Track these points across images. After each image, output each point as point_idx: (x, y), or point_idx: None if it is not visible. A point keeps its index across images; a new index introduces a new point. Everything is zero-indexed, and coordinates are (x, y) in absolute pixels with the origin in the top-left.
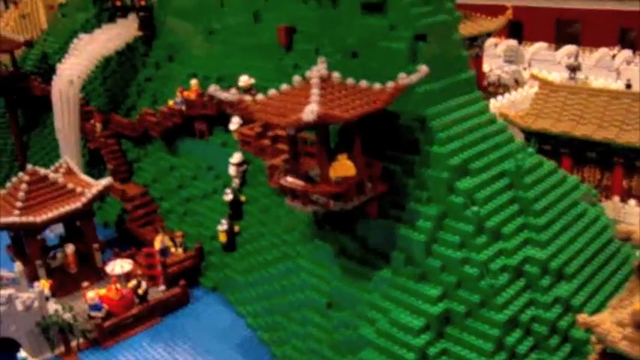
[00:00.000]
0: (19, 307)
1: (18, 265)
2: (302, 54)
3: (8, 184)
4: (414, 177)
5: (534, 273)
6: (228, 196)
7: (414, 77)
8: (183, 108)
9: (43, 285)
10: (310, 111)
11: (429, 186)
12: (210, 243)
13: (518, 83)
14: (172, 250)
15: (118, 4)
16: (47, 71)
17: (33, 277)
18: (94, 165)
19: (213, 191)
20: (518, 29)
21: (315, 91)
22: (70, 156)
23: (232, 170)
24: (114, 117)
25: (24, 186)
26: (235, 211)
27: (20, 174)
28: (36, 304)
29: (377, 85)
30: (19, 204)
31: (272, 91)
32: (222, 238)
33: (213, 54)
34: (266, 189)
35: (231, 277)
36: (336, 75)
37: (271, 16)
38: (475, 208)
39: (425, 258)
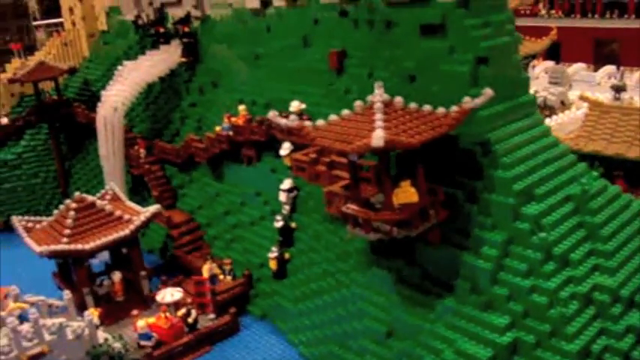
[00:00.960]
0: (70, 336)
1: (67, 294)
2: (354, 78)
3: (56, 211)
4: (477, 203)
5: (605, 301)
6: (279, 223)
7: (478, 101)
8: (231, 134)
9: (93, 313)
10: (378, 137)
11: (494, 212)
12: (259, 270)
13: (564, 105)
14: (221, 277)
15: (162, 30)
16: (89, 98)
17: (80, 305)
18: (137, 191)
19: (262, 218)
20: (555, 50)
21: (379, 116)
22: (114, 182)
23: (283, 196)
24: (158, 143)
25: (72, 213)
26: (286, 238)
27: (67, 201)
28: (86, 332)
29: (440, 110)
30: (67, 231)
31: (333, 117)
32: (273, 265)
33: (259, 79)
34: (317, 215)
35: (281, 305)
36: (398, 99)
37: (321, 40)
38: (542, 235)
39: (491, 286)
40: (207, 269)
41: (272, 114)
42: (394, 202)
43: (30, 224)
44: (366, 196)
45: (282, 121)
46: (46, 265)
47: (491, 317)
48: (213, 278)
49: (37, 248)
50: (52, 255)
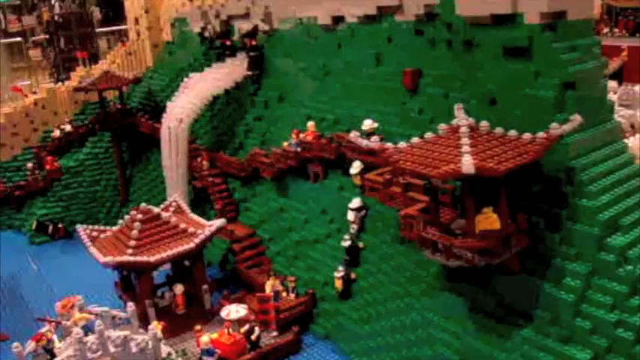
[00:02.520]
0: (134, 349)
1: (131, 306)
2: (429, 98)
3: (120, 221)
4: (559, 232)
5: None
6: (346, 242)
7: (567, 127)
8: (299, 150)
9: (156, 327)
10: (469, 164)
11: (577, 242)
12: (322, 289)
13: (633, 128)
14: (284, 294)
15: (228, 43)
16: (152, 108)
17: (142, 317)
18: (197, 204)
19: (327, 235)
20: (618, 70)
21: (466, 141)
22: (177, 194)
23: (351, 216)
24: (221, 156)
25: (137, 224)
26: (352, 257)
27: (133, 212)
28: (150, 346)
29: (527, 135)
30: (132, 242)
31: (415, 140)
32: (338, 284)
33: (329, 96)
34: (386, 236)
35: (345, 326)
36: (484, 124)
37: (394, 58)
38: (629, 267)
39: (573, 319)
40: (270, 285)
41: (353, 134)
42: (476, 228)
43: (94, 233)
44: (445, 221)
45: (364, 142)
46: (104, 273)
47: (572, 351)
48: (276, 295)
49: (102, 258)
50: (117, 266)
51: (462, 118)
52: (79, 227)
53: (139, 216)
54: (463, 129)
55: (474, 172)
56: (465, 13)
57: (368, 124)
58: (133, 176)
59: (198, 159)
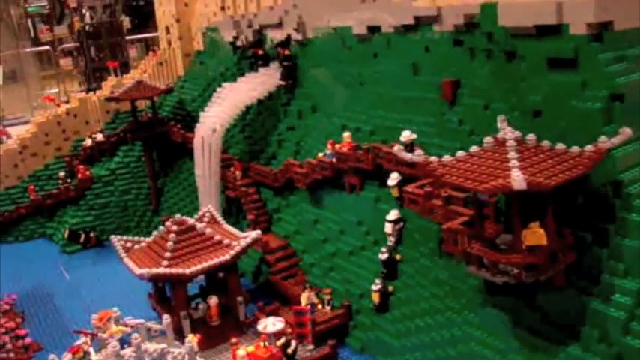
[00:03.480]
0: None
1: (167, 318)
2: (468, 110)
3: (154, 232)
4: (607, 247)
5: None
6: (383, 255)
7: (615, 140)
8: (334, 161)
9: (192, 340)
10: (519, 179)
11: (627, 257)
12: (359, 301)
13: None
14: (319, 307)
15: (260, 53)
16: (183, 117)
17: (177, 329)
18: (229, 214)
19: (362, 247)
20: None
21: (513, 155)
22: (210, 204)
23: (388, 228)
24: (254, 166)
25: (172, 236)
26: (390, 270)
27: (168, 223)
28: (186, 359)
29: (574, 149)
30: (167, 254)
31: (460, 153)
32: (375, 297)
33: (364, 106)
34: (424, 249)
35: (383, 339)
36: (531, 137)
37: (432, 68)
38: None
39: (623, 336)
40: (305, 298)
41: (397, 148)
42: (523, 244)
43: (128, 244)
44: (488, 235)
45: (408, 156)
46: (136, 283)
47: None
48: (311, 307)
49: (137, 270)
50: (153, 278)
51: (508, 132)
52: (113, 238)
53: (174, 227)
54: (510, 142)
55: (525, 188)
56: (508, 24)
57: (406, 135)
58: (164, 186)
59: (231, 169)
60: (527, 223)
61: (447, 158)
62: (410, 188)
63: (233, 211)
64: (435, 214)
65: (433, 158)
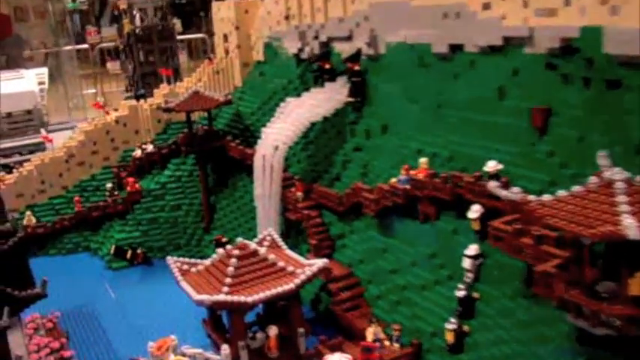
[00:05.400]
0: None
1: (225, 348)
2: (560, 140)
3: (214, 256)
4: None
5: None
6: (460, 292)
7: None
8: (408, 187)
9: None
10: (634, 227)
11: None
12: (430, 340)
13: None
14: (386, 343)
15: (327, 67)
16: (241, 131)
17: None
18: (288, 237)
19: (436, 282)
20: None
21: (623, 199)
22: (269, 226)
23: (467, 263)
24: (317, 187)
25: (233, 260)
26: (466, 308)
27: (228, 247)
28: None
29: None
30: (228, 280)
31: (561, 193)
32: (449, 337)
33: (442, 130)
34: (507, 289)
35: None
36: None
37: (520, 92)
38: None
39: None
40: (372, 333)
41: (492, 184)
42: (629, 293)
43: (185, 267)
44: (589, 282)
45: (503, 193)
46: (186, 305)
47: None
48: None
49: (196, 296)
50: (213, 306)
51: (616, 172)
52: (169, 259)
53: (236, 251)
54: (618, 184)
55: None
56: (615, 52)
57: (492, 165)
58: (217, 202)
59: (292, 189)
60: (634, 272)
61: (547, 198)
62: (496, 223)
63: (292, 235)
64: (523, 253)
65: (532, 197)
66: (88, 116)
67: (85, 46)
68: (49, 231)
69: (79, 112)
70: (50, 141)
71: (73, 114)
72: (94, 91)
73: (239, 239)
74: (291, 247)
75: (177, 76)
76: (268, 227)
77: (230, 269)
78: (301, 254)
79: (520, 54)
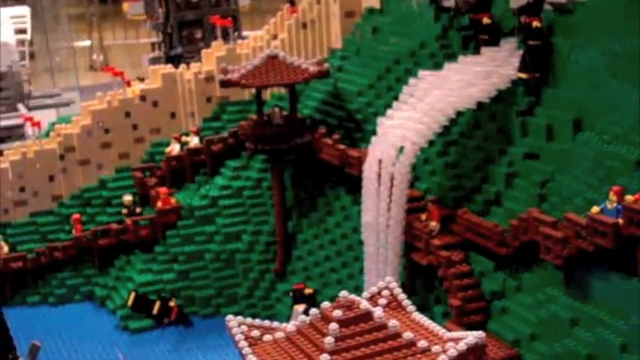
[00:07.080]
0: None
1: None
2: None
3: (301, 318)
4: None
5: None
6: None
7: None
8: (620, 221)
9: None
10: None
11: None
12: None
13: None
14: None
15: (486, 21)
16: (342, 122)
17: None
18: (412, 291)
19: None
20: None
21: None
22: (383, 273)
23: None
24: (463, 214)
25: (334, 326)
26: None
27: (325, 304)
28: None
29: None
30: (325, 357)
31: None
32: None
33: None
34: None
35: None
36: None
37: None
38: None
39: None
40: None
41: None
42: None
43: (254, 332)
44: None
45: None
46: None
47: None
48: None
49: None
50: None
51: None
52: (229, 319)
53: (337, 312)
54: None
55: None
56: None
57: None
58: (298, 232)
59: (422, 215)
60: None
61: None
62: None
63: (421, 289)
64: None
65: None
66: (81, 83)
67: None
68: (31, 266)
69: (66, 76)
70: (36, 125)
71: (57, 79)
72: (88, 43)
73: (343, 293)
74: (420, 309)
75: (237, 27)
76: (383, 275)
77: (329, 340)
78: (433, 319)
79: None
